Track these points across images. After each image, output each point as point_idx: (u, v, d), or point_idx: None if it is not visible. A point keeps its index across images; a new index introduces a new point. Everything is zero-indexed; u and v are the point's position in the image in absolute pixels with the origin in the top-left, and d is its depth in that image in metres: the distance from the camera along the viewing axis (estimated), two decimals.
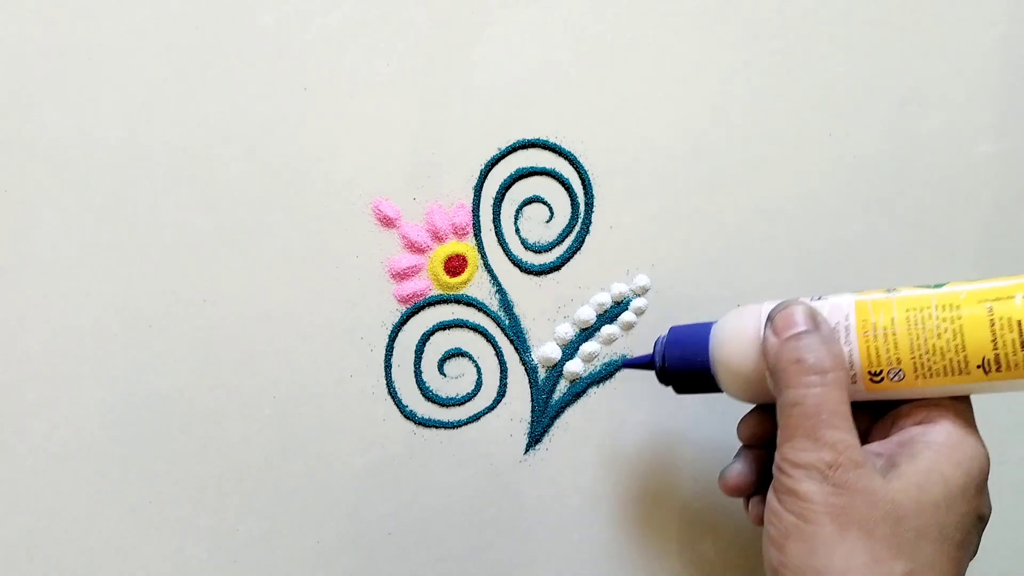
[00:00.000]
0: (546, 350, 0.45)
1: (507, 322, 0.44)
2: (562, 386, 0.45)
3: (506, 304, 0.44)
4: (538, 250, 0.45)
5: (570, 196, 0.44)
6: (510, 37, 0.43)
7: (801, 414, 0.33)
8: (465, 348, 0.44)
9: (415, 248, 0.43)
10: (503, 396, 0.45)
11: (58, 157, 0.41)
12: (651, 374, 0.41)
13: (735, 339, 0.37)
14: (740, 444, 0.40)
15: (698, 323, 0.39)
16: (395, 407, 0.44)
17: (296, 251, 0.43)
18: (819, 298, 0.36)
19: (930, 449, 0.33)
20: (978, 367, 0.33)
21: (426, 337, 0.44)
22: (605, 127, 0.44)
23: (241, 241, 0.42)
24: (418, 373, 0.44)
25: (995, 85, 0.46)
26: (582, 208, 0.44)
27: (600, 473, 0.46)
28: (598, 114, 0.44)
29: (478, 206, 0.44)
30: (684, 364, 0.38)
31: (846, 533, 0.31)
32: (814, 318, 0.34)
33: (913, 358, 0.33)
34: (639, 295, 0.45)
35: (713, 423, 0.46)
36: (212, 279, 0.42)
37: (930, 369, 0.33)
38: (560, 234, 0.45)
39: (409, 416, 0.44)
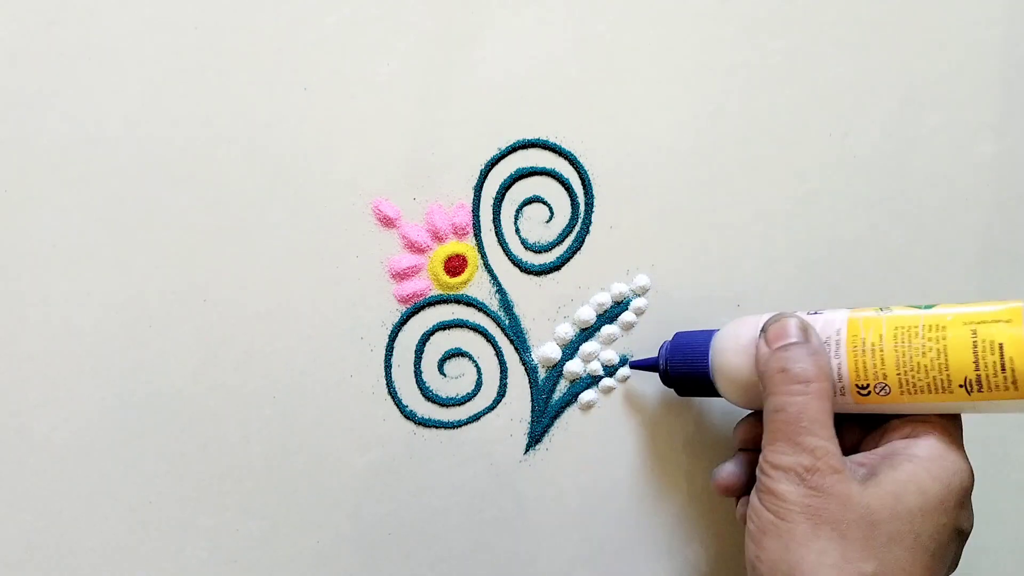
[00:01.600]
0: (546, 350, 0.45)
1: (507, 322, 0.44)
2: (562, 386, 0.45)
3: (506, 304, 0.44)
4: (538, 250, 0.45)
5: (570, 196, 0.44)
6: (510, 37, 0.43)
7: (783, 420, 0.35)
8: (465, 348, 0.44)
9: (415, 248, 0.43)
10: (503, 396, 0.45)
11: (58, 157, 0.41)
12: (655, 375, 0.44)
13: (733, 347, 0.39)
14: (736, 447, 0.42)
15: (701, 330, 0.41)
16: (395, 407, 0.44)
17: (296, 251, 0.43)
18: (815, 312, 0.38)
19: (911, 462, 0.34)
20: (960, 386, 0.34)
21: (426, 337, 0.44)
22: (605, 127, 0.44)
23: (241, 241, 0.42)
24: (418, 373, 0.44)
25: (995, 85, 0.46)
26: (582, 208, 0.44)
27: (600, 473, 0.46)
28: (598, 114, 0.44)
29: (478, 206, 0.44)
30: (685, 369, 0.41)
31: (819, 532, 0.33)
32: (805, 330, 0.36)
33: (899, 374, 0.35)
34: (639, 295, 0.45)
35: (712, 425, 0.46)
36: (212, 279, 0.42)
37: (914, 386, 0.35)
38: (560, 234, 0.45)
39: (409, 416, 0.44)
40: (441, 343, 0.44)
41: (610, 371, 0.45)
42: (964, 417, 0.36)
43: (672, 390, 0.42)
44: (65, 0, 0.40)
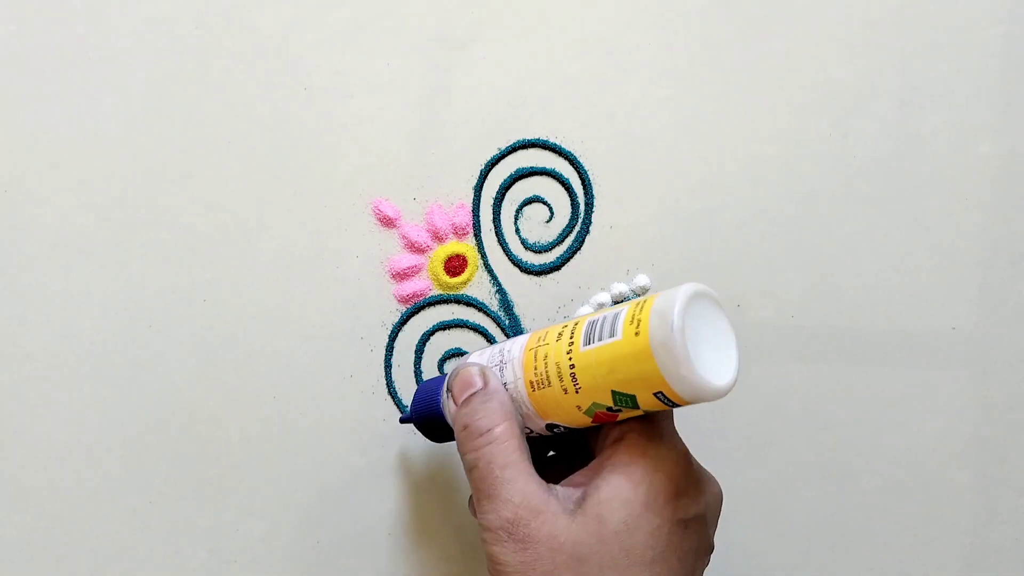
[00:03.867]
0: None
1: (507, 322, 0.44)
2: None
3: (506, 304, 0.44)
4: (538, 250, 0.45)
5: (570, 196, 0.44)
6: (510, 37, 0.43)
7: (478, 477, 0.33)
8: (465, 348, 0.44)
9: (415, 248, 0.43)
10: None
11: (58, 157, 0.41)
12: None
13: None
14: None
15: (439, 376, 0.40)
16: (395, 407, 0.44)
17: (296, 251, 0.43)
18: (502, 349, 0.37)
19: (613, 473, 0.33)
20: (563, 389, 0.34)
21: (426, 337, 0.44)
22: (605, 127, 0.44)
23: (241, 241, 0.42)
24: (418, 373, 0.44)
25: (995, 85, 0.46)
26: (582, 208, 0.44)
27: None
28: (598, 114, 0.44)
29: (478, 206, 0.44)
30: (427, 417, 0.39)
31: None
32: (483, 375, 0.35)
33: (537, 394, 0.35)
34: (639, 295, 0.45)
35: (711, 425, 0.46)
36: (212, 279, 0.42)
37: (546, 409, 0.34)
38: (560, 234, 0.45)
39: None
40: (441, 343, 0.44)
41: None
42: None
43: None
44: (65, 0, 0.40)
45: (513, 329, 0.44)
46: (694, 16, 0.44)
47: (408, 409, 0.42)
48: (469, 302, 0.44)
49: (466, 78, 0.43)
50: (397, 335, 0.44)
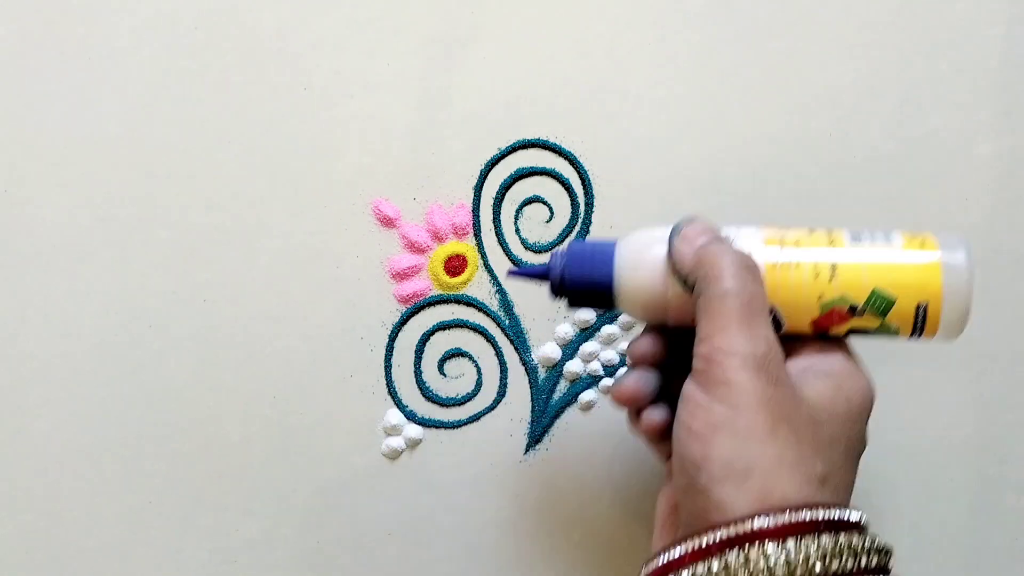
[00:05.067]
0: (546, 350, 0.45)
1: (507, 322, 0.44)
2: (562, 386, 0.45)
3: (506, 304, 0.44)
4: (538, 250, 0.45)
5: (570, 196, 0.44)
6: (510, 37, 0.43)
7: (737, 304, 0.32)
8: (465, 348, 0.44)
9: (415, 248, 0.43)
10: (503, 396, 0.45)
11: (58, 157, 0.41)
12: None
13: (639, 258, 0.36)
14: (631, 363, 0.38)
15: (598, 240, 0.38)
16: (395, 407, 0.44)
17: (296, 251, 0.43)
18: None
19: (831, 376, 0.33)
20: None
21: (426, 337, 0.44)
22: (605, 127, 0.44)
23: (241, 241, 0.42)
24: (418, 373, 0.44)
25: (995, 85, 0.46)
26: (582, 208, 0.44)
27: (600, 473, 0.46)
28: (598, 114, 0.44)
29: (478, 206, 0.44)
30: (585, 280, 0.37)
31: (778, 428, 0.30)
32: (714, 232, 0.35)
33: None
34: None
35: None
36: (212, 279, 0.42)
37: (776, 288, 0.35)
38: (560, 234, 0.45)
39: (409, 416, 0.44)
40: (441, 343, 0.44)
41: (610, 371, 0.45)
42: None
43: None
44: (65, 0, 0.40)
45: (513, 329, 0.44)
46: (694, 16, 0.44)
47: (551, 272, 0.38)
48: (469, 302, 0.44)
49: (466, 78, 0.43)
50: (397, 335, 0.44)
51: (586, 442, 0.45)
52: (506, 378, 0.45)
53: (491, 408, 0.45)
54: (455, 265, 0.44)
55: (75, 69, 0.41)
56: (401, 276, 0.43)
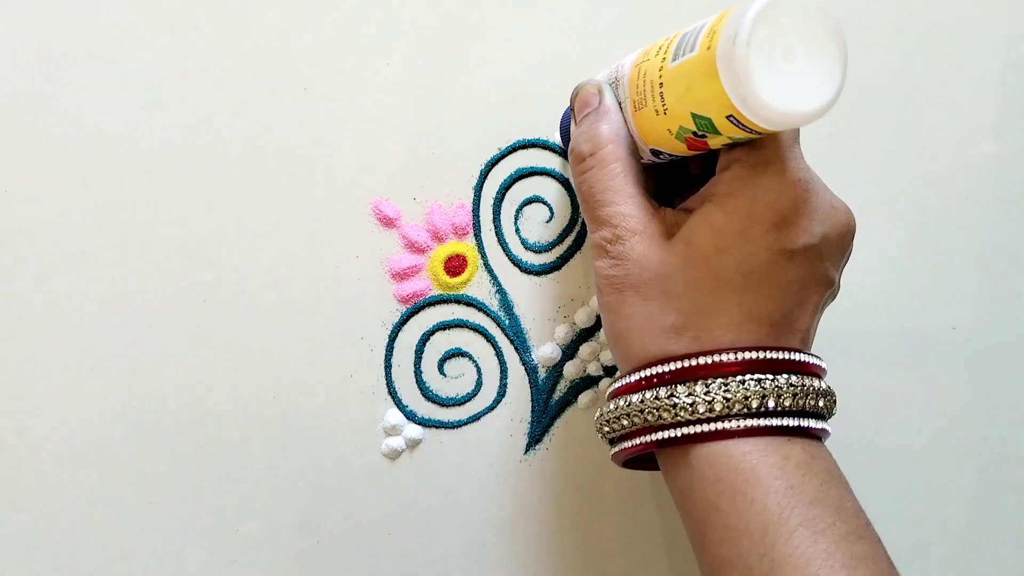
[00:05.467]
0: (546, 350, 0.45)
1: (507, 322, 0.44)
2: (562, 386, 0.45)
3: (506, 304, 0.44)
4: (538, 250, 0.45)
5: (570, 196, 0.44)
6: (510, 37, 0.43)
7: (583, 200, 0.35)
8: (465, 348, 0.44)
9: (415, 248, 0.43)
10: (503, 396, 0.45)
11: (58, 157, 0.41)
12: None
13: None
14: None
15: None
16: (395, 407, 0.44)
17: (296, 251, 0.43)
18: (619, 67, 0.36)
19: (709, 201, 0.33)
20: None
21: (426, 337, 0.44)
22: None
23: (241, 241, 0.42)
24: (418, 373, 0.44)
25: (995, 85, 0.46)
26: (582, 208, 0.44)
27: (600, 473, 0.46)
28: None
29: (478, 206, 0.44)
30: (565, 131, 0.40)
31: (625, 299, 0.33)
32: (600, 93, 0.36)
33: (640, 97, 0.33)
34: None
35: None
36: (212, 279, 0.42)
37: (646, 132, 0.34)
38: (560, 234, 0.45)
39: (409, 416, 0.44)
40: (441, 343, 0.44)
41: (610, 371, 0.45)
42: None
43: None
44: (65, 0, 0.40)
45: (513, 329, 0.44)
46: (694, 16, 0.44)
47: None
48: (469, 302, 0.44)
49: (466, 78, 0.43)
50: (397, 335, 0.44)
51: (586, 442, 0.45)
52: (506, 378, 0.45)
53: (491, 408, 0.45)
54: (455, 265, 0.44)
55: (75, 69, 0.41)
56: (401, 276, 0.43)
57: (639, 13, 0.44)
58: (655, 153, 0.35)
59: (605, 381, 0.45)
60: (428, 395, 0.44)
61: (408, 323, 0.44)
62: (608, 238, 0.34)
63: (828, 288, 0.34)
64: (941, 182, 0.46)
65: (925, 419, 0.46)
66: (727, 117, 0.29)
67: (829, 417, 0.34)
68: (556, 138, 0.44)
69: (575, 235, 0.45)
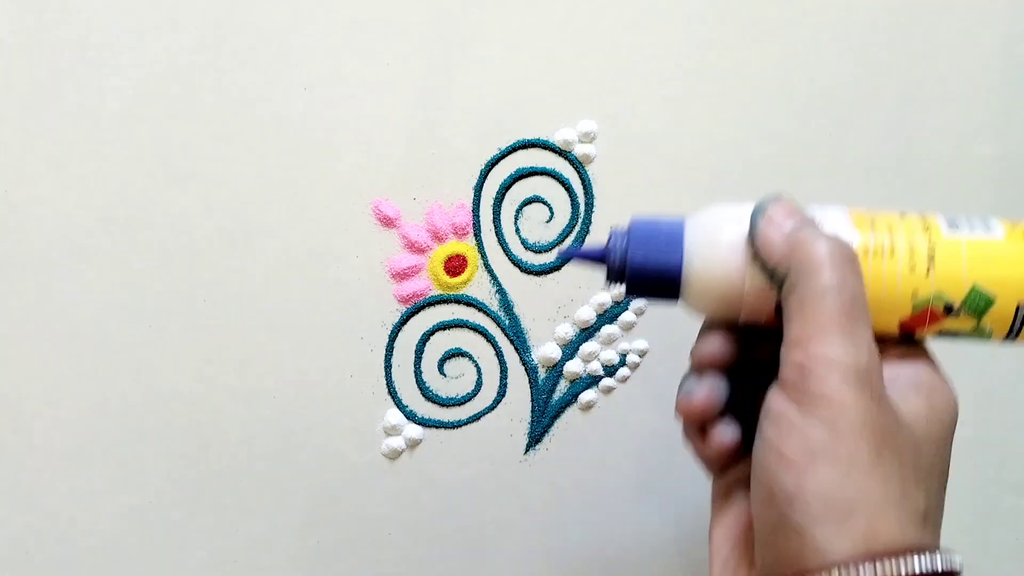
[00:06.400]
0: (546, 350, 0.45)
1: (507, 322, 0.44)
2: (562, 386, 0.45)
3: (506, 304, 0.44)
4: (538, 250, 0.45)
5: (570, 196, 0.44)
6: (510, 37, 0.43)
7: (838, 304, 0.27)
8: (465, 348, 0.44)
9: (415, 248, 0.43)
10: (503, 396, 0.45)
11: (58, 157, 0.41)
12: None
13: (714, 241, 0.30)
14: (697, 367, 0.32)
15: (663, 218, 0.32)
16: (395, 407, 0.44)
17: (296, 251, 0.43)
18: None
19: (921, 390, 0.29)
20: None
21: (426, 337, 0.44)
22: (605, 127, 0.44)
23: (241, 241, 0.42)
24: (418, 373, 0.44)
25: (995, 85, 0.46)
26: (582, 208, 0.44)
27: (600, 473, 0.46)
28: (598, 114, 0.44)
29: (478, 206, 0.44)
30: (650, 264, 0.31)
31: (881, 456, 0.26)
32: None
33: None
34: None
35: None
36: (212, 279, 0.42)
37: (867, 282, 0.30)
38: (560, 234, 0.45)
39: (409, 416, 0.44)
40: (441, 343, 0.44)
41: (610, 371, 0.45)
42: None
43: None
44: (65, 0, 0.40)
45: (513, 329, 0.44)
46: (694, 16, 0.44)
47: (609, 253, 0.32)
48: (469, 302, 0.44)
49: (466, 78, 0.43)
50: (397, 335, 0.44)
51: (586, 442, 0.45)
52: (506, 378, 0.45)
53: (491, 408, 0.45)
54: (455, 265, 0.44)
55: (75, 69, 0.41)
56: (401, 276, 0.43)
57: (639, 13, 0.44)
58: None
59: (606, 380, 0.45)
60: (428, 395, 0.44)
61: (408, 323, 0.44)
62: (866, 365, 0.27)
63: None
64: (941, 182, 0.46)
65: None
66: (1018, 306, 0.29)
67: None
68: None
69: (575, 235, 0.45)
